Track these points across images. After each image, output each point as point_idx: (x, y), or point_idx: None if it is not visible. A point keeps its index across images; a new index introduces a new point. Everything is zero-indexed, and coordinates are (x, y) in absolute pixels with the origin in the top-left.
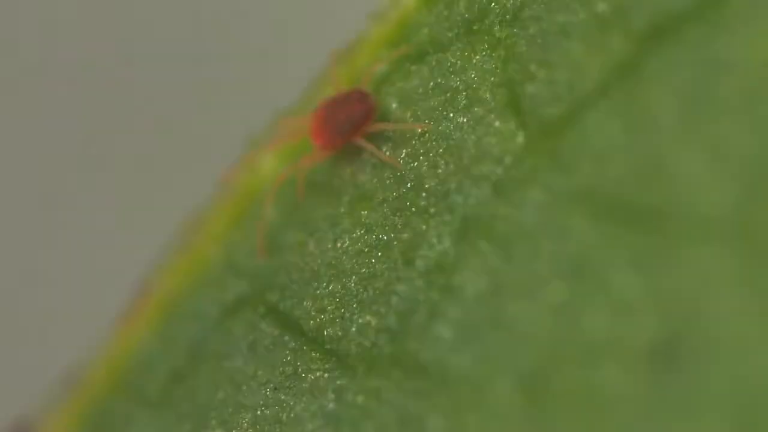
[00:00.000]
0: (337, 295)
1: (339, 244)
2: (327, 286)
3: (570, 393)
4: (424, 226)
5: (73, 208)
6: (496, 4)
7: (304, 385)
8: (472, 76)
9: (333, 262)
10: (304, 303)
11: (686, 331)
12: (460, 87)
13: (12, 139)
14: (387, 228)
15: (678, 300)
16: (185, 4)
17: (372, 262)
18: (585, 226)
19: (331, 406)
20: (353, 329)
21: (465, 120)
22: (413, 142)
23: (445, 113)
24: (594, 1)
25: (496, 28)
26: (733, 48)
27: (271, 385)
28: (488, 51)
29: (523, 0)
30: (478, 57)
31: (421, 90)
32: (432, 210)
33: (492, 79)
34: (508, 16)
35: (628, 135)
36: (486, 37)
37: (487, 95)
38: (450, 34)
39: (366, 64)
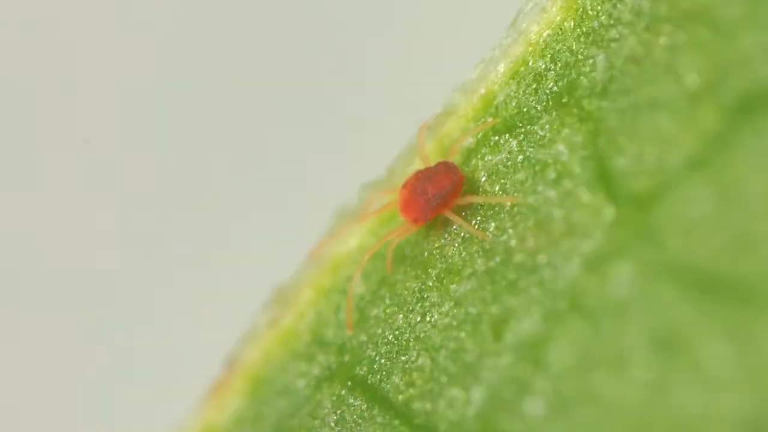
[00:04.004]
0: (426, 368)
1: (428, 318)
2: (416, 360)
3: None
4: (513, 300)
5: (161, 281)
6: (584, 77)
7: None
8: (561, 149)
9: (421, 336)
10: (393, 377)
11: None
12: (549, 160)
13: (94, 206)
14: (476, 302)
15: None
16: (283, 71)
17: (461, 336)
18: (675, 299)
19: None
20: (442, 403)
21: (554, 193)
22: (502, 215)
23: (533, 186)
24: (684, 74)
25: (585, 101)
26: None
27: None
28: (577, 124)
29: (612, 73)
30: (566, 130)
31: (509, 163)
32: (521, 284)
33: (581, 152)
34: (597, 89)
35: (719, 208)
36: (575, 110)
37: (576, 168)
38: (538, 107)
39: (454, 136)
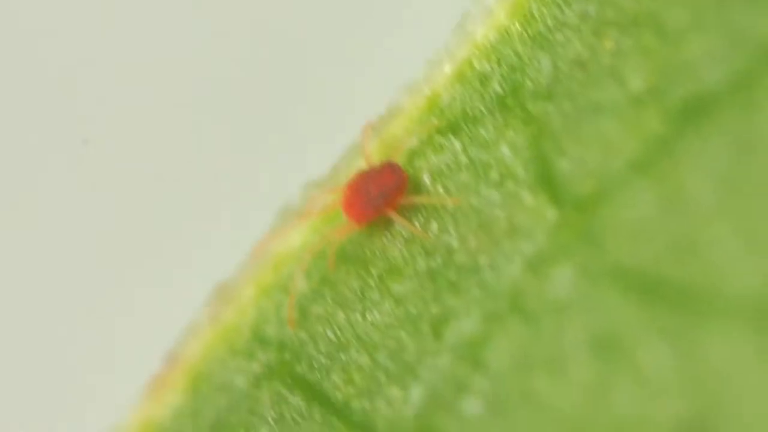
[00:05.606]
0: (366, 367)
1: (368, 317)
2: (355, 359)
3: None
4: (453, 300)
5: (103, 275)
6: (529, 79)
7: None
8: (505, 151)
9: (362, 335)
10: (332, 375)
11: (713, 411)
12: (492, 162)
13: (36, 205)
14: (416, 301)
15: (706, 379)
16: (223, 73)
17: (401, 335)
18: (616, 302)
19: None
20: (381, 402)
21: (497, 195)
22: (444, 216)
23: (476, 188)
24: (629, 79)
25: (529, 104)
26: (766, 128)
27: None
28: (521, 126)
29: (557, 76)
30: (510, 132)
31: (453, 164)
32: (462, 284)
33: (525, 154)
34: (541, 93)
35: (661, 212)
36: (519, 112)
37: (520, 170)
38: (483, 109)
39: (399, 137)
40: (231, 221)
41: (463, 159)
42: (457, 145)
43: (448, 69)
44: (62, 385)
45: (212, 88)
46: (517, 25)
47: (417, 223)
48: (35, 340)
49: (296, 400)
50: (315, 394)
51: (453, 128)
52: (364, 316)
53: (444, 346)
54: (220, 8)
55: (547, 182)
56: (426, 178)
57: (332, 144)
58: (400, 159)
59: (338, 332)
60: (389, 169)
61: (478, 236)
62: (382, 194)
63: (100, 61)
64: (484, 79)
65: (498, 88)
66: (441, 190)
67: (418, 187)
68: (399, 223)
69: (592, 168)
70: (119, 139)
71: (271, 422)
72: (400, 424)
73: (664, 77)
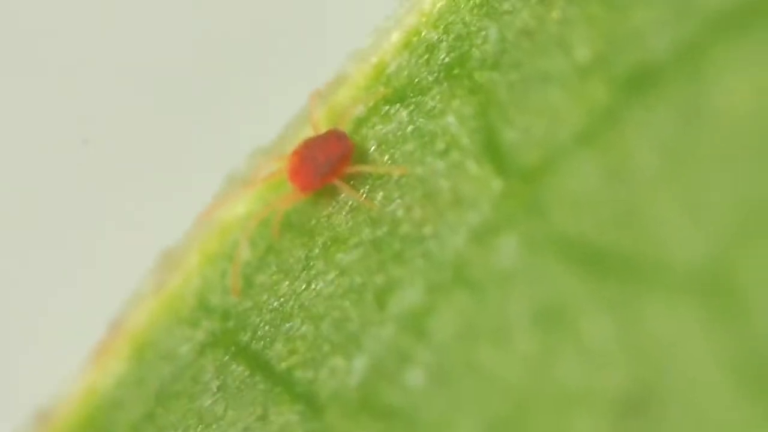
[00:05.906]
0: (309, 337)
1: (313, 286)
2: (299, 328)
3: None
4: (398, 271)
5: (45, 242)
6: (477, 49)
7: (273, 427)
8: (451, 120)
9: (306, 304)
10: (276, 344)
11: (655, 382)
12: (438, 131)
13: None
14: (361, 271)
15: (649, 350)
16: (168, 42)
17: (345, 305)
18: (560, 272)
19: None
20: (324, 372)
21: (442, 164)
22: (390, 185)
23: (422, 157)
24: (575, 48)
25: (476, 73)
26: (712, 98)
27: (241, 425)
28: (468, 96)
29: (504, 46)
30: (457, 101)
31: (399, 133)
32: (406, 254)
33: (471, 124)
34: (488, 62)
35: (606, 183)
36: (466, 82)
37: (465, 140)
38: (430, 78)
39: (345, 104)
40: (176, 188)
41: (410, 128)
42: (404, 113)
43: (395, 37)
44: (4, 353)
45: (160, 56)
46: None
47: (363, 192)
48: None
49: (240, 369)
50: (258, 363)
51: (400, 97)
52: (308, 286)
53: (388, 316)
54: None
55: (493, 152)
56: (372, 147)
57: (279, 111)
58: (346, 127)
59: (282, 301)
60: (335, 137)
61: (424, 206)
62: (328, 162)
63: (100, 61)
64: (431, 47)
65: (445, 57)
66: (387, 159)
67: (364, 156)
68: (345, 191)
69: (538, 138)
70: (119, 139)
71: (215, 391)
72: (343, 394)
73: (610, 46)
